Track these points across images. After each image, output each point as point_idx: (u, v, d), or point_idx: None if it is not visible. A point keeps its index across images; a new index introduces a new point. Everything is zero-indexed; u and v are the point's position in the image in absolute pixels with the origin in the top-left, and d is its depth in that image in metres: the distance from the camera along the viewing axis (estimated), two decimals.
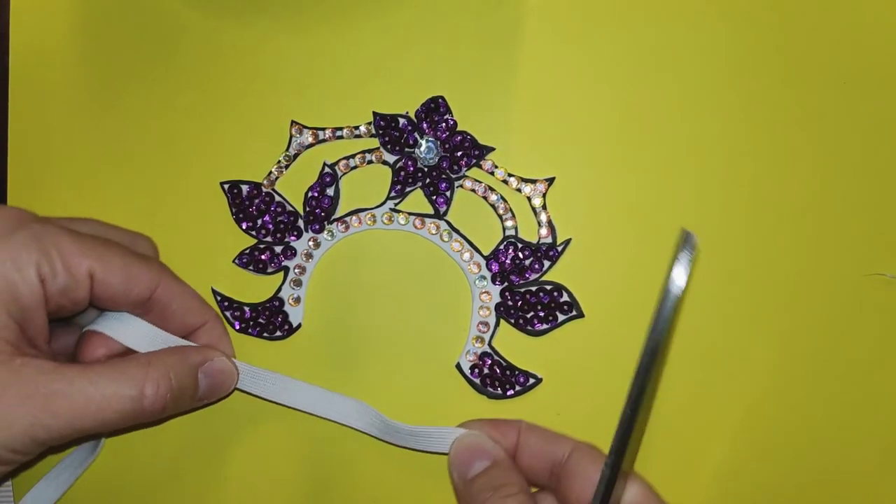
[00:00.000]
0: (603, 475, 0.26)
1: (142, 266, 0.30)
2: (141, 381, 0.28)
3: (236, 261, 0.34)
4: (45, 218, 0.29)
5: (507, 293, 0.34)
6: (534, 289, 0.34)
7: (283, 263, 0.34)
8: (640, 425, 0.26)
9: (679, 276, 0.24)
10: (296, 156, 0.35)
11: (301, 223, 0.34)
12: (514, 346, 0.34)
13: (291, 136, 0.35)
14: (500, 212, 0.34)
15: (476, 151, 0.34)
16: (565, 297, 0.34)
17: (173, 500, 0.34)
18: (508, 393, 0.34)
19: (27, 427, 0.26)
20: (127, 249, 0.30)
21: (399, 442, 0.31)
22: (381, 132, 0.34)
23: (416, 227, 0.34)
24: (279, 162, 0.35)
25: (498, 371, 0.34)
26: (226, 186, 0.35)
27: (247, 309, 0.34)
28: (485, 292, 0.34)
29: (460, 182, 0.34)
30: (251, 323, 0.34)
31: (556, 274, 0.34)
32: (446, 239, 0.34)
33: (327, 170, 0.34)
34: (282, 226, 0.34)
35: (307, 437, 0.34)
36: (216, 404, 0.33)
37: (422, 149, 0.34)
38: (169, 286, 0.31)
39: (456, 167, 0.34)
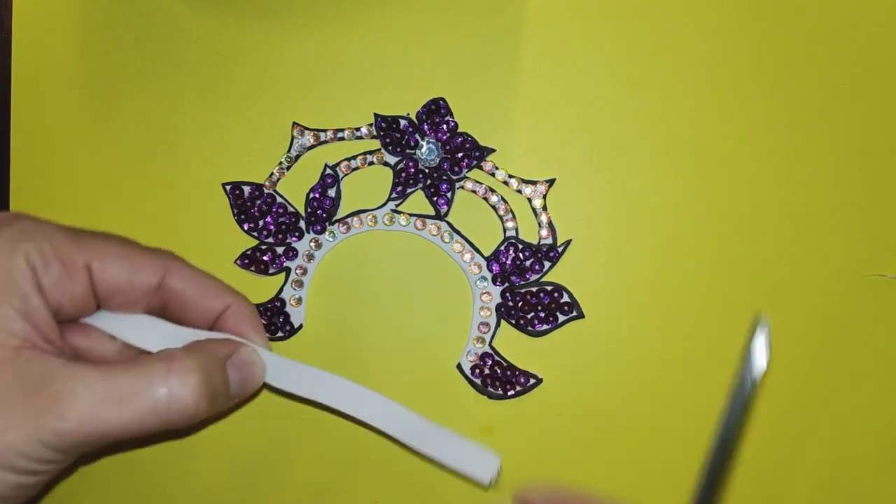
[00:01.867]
0: None
1: (145, 254, 0.28)
2: (163, 377, 0.25)
3: (238, 262, 0.35)
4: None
5: (507, 294, 0.34)
6: (534, 289, 0.34)
7: (284, 264, 0.35)
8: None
9: (759, 361, 0.23)
10: (297, 157, 0.35)
11: (302, 224, 0.35)
12: (514, 346, 0.34)
13: (293, 138, 0.35)
14: (501, 213, 0.34)
15: (477, 153, 0.34)
16: (566, 298, 0.34)
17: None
18: (509, 393, 0.34)
19: (33, 431, 0.24)
20: (129, 240, 0.28)
21: (430, 452, 0.29)
22: (382, 133, 0.34)
23: (417, 228, 0.34)
24: (281, 163, 0.35)
25: (499, 371, 0.34)
26: (228, 187, 0.35)
27: None
28: (485, 293, 0.34)
29: (461, 183, 0.34)
30: None
31: (556, 275, 0.34)
32: (447, 240, 0.34)
33: (329, 171, 0.34)
34: (283, 227, 0.34)
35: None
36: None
37: (423, 150, 0.34)
38: (179, 272, 0.28)
39: (457, 168, 0.34)
